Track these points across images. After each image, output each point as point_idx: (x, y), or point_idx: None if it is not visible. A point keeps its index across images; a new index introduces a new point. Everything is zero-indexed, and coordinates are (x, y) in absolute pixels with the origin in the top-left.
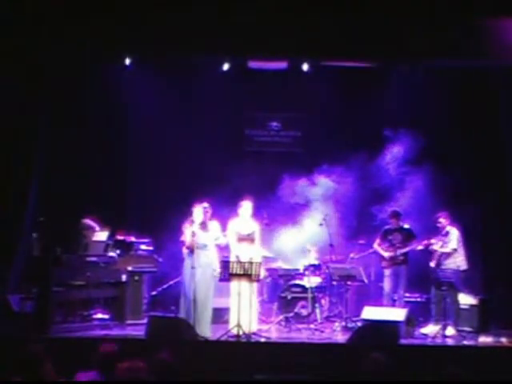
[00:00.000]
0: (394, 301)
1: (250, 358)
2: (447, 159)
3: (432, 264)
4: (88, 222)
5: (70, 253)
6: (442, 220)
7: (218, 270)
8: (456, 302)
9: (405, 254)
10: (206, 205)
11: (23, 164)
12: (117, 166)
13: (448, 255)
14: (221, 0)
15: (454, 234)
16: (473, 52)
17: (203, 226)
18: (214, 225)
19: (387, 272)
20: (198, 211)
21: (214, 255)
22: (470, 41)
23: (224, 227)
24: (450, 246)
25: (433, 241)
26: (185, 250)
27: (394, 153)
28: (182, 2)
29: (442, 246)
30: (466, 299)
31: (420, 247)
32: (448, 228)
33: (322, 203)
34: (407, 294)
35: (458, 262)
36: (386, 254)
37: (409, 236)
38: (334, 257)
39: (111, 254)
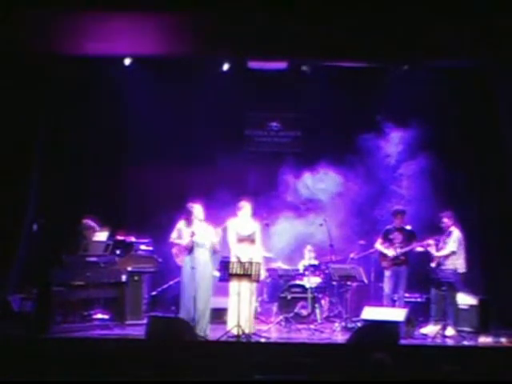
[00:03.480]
0: (394, 301)
1: (250, 358)
2: (447, 159)
3: (433, 264)
4: (88, 222)
5: (70, 253)
6: (445, 220)
7: (216, 270)
8: (455, 303)
9: (405, 255)
10: (199, 204)
11: (23, 164)
12: (117, 166)
13: (446, 256)
14: (221, 0)
15: (455, 235)
16: (472, 51)
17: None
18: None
19: (387, 273)
20: (197, 209)
21: (211, 255)
22: (470, 40)
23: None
24: (449, 247)
25: (430, 241)
26: (174, 251)
27: (394, 152)
28: (182, 2)
29: (439, 249)
30: (466, 299)
31: (420, 248)
32: (451, 228)
33: (322, 203)
34: (407, 294)
35: (457, 264)
36: (391, 253)
37: (410, 236)
38: (333, 257)
39: (111, 254)
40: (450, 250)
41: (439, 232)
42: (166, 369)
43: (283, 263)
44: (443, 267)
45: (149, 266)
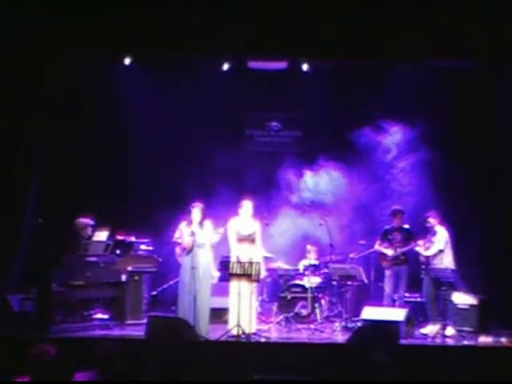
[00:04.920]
0: (394, 301)
1: (250, 357)
2: (448, 158)
3: (421, 258)
4: (82, 220)
5: (70, 253)
6: (431, 220)
7: (216, 270)
8: (452, 302)
9: (405, 254)
10: (200, 205)
11: (23, 164)
12: (117, 166)
13: (434, 255)
14: (221, 0)
15: (442, 234)
16: (472, 52)
17: (200, 225)
18: (207, 224)
19: (388, 273)
20: (197, 211)
21: (211, 255)
22: (469, 41)
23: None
24: (437, 246)
25: (420, 242)
26: (178, 250)
27: (394, 151)
28: (182, 2)
29: (427, 248)
30: (465, 299)
31: (419, 248)
32: (437, 228)
33: (323, 203)
34: (407, 294)
35: (445, 262)
36: (390, 253)
37: (409, 236)
38: (333, 257)
39: (111, 254)
40: (437, 248)
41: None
42: (166, 369)
43: (283, 263)
44: (431, 266)
45: (149, 266)
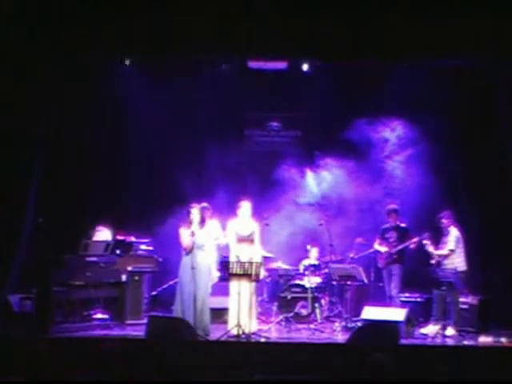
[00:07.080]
0: (391, 300)
1: (250, 358)
2: (449, 158)
3: (433, 261)
4: (104, 230)
5: (70, 253)
6: (444, 220)
7: (216, 270)
8: (457, 302)
9: (399, 253)
10: (205, 204)
11: (23, 165)
12: (117, 167)
13: (446, 256)
14: (221, 0)
15: (454, 234)
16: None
17: (201, 225)
18: (214, 224)
19: (384, 272)
20: (195, 211)
21: (213, 255)
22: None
23: (224, 227)
24: (448, 246)
25: (426, 241)
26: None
27: (395, 151)
28: (182, 2)
29: (438, 249)
30: (466, 299)
31: (412, 246)
32: (450, 228)
33: (322, 203)
34: (407, 294)
35: (456, 263)
36: (384, 250)
37: (404, 234)
38: (333, 257)
39: (111, 254)
40: (449, 248)
41: (438, 230)
42: (166, 369)
43: (283, 263)
44: (443, 267)
45: (149, 266)
